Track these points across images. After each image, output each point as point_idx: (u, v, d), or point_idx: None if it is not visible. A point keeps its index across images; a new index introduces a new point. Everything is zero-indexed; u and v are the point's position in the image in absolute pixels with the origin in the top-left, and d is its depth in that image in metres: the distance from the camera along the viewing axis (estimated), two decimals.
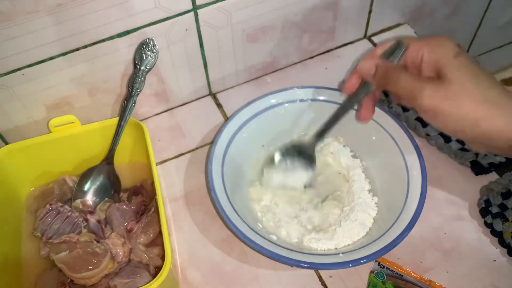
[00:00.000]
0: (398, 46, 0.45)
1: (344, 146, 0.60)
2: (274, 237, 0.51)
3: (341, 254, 0.47)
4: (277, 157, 0.53)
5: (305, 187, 0.55)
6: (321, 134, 0.52)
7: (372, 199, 0.54)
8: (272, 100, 0.59)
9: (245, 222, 0.49)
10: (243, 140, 0.57)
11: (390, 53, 0.46)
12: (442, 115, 0.40)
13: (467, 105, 0.39)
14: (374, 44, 0.74)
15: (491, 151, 0.45)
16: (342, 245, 0.51)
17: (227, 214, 0.49)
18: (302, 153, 0.53)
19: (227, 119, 0.60)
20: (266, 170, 0.54)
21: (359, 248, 0.47)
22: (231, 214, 0.49)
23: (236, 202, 0.51)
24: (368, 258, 0.46)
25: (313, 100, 0.59)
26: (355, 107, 0.53)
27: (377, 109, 0.57)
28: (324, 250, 0.51)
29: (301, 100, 0.59)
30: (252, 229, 0.48)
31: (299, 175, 0.54)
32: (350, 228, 0.52)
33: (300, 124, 0.61)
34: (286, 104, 0.59)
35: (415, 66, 0.44)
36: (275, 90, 0.60)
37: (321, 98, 0.59)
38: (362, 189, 0.55)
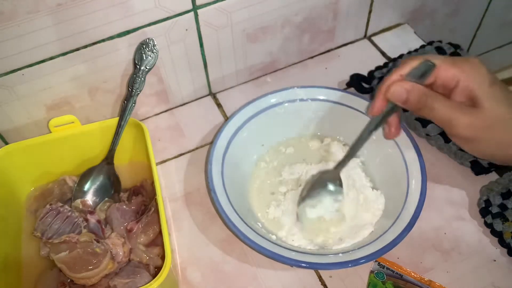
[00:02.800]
0: (428, 66, 0.44)
1: (344, 145, 0.60)
2: (273, 237, 0.51)
3: (340, 254, 0.47)
4: (305, 192, 0.53)
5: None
6: (347, 159, 0.52)
7: (378, 197, 0.54)
8: (272, 99, 0.59)
9: (245, 222, 0.49)
10: (243, 139, 0.57)
11: (419, 74, 0.44)
12: (476, 142, 0.43)
13: (501, 132, 0.42)
14: (374, 44, 0.75)
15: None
16: (343, 245, 0.51)
17: (227, 214, 0.49)
18: (328, 181, 0.53)
19: (227, 119, 0.60)
20: (300, 208, 0.53)
21: (358, 248, 0.47)
22: (231, 214, 0.49)
23: (236, 202, 0.51)
24: (367, 258, 0.46)
25: (313, 99, 0.59)
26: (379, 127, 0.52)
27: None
28: (324, 249, 0.51)
29: (301, 100, 0.59)
30: (252, 229, 0.48)
31: (330, 202, 0.52)
32: (353, 228, 0.52)
33: (300, 124, 0.61)
34: (286, 104, 0.59)
35: (446, 89, 0.44)
36: (275, 90, 0.60)
37: (321, 97, 0.59)
38: (365, 187, 0.55)
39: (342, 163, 0.53)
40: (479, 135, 0.42)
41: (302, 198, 0.53)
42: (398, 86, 0.44)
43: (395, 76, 0.46)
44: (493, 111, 0.42)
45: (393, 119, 0.48)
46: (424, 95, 0.43)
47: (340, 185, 0.53)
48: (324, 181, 0.53)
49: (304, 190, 0.54)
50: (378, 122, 0.48)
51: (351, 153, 0.52)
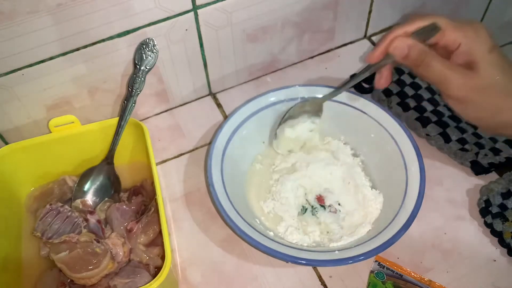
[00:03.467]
0: (433, 28, 0.45)
1: (344, 144, 0.60)
2: (271, 234, 0.51)
3: (337, 252, 0.47)
4: (286, 114, 0.58)
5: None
6: (333, 92, 0.57)
7: (376, 196, 0.54)
8: (273, 97, 0.59)
9: (243, 218, 0.49)
10: (243, 137, 0.57)
11: (423, 33, 0.45)
12: (467, 104, 0.44)
13: (493, 96, 0.43)
14: (374, 44, 0.74)
15: (501, 135, 0.51)
16: (341, 243, 0.51)
17: (225, 209, 0.49)
18: (310, 106, 0.58)
19: (227, 118, 0.60)
20: (280, 128, 0.58)
21: (355, 246, 0.47)
22: (229, 210, 0.49)
23: (234, 198, 0.51)
24: (366, 255, 0.46)
25: (314, 98, 0.59)
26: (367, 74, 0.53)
27: (377, 109, 0.57)
28: (323, 247, 0.51)
29: (302, 98, 0.59)
30: (249, 225, 0.48)
31: (307, 122, 0.59)
32: (351, 226, 0.52)
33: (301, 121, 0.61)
34: (288, 102, 0.59)
35: (446, 51, 0.46)
36: (276, 88, 0.60)
37: (322, 96, 0.59)
38: (364, 186, 0.55)
39: (327, 96, 0.58)
40: (471, 97, 0.43)
41: (284, 120, 0.58)
42: (401, 42, 0.46)
43: (400, 31, 0.47)
44: (488, 75, 0.43)
45: (385, 69, 0.49)
46: (424, 53, 0.44)
47: (320, 112, 0.59)
48: (306, 107, 0.58)
49: (286, 114, 0.58)
50: (371, 70, 0.50)
51: (335, 92, 0.57)
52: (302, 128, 0.59)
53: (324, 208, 0.55)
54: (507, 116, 0.44)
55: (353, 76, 0.68)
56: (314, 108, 0.59)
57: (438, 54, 0.45)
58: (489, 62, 0.43)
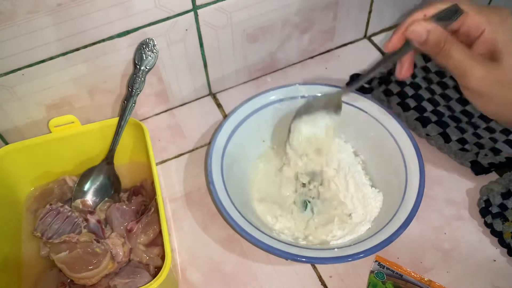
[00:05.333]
0: (455, 10, 0.42)
1: (345, 142, 0.60)
2: (271, 232, 0.52)
3: (336, 249, 0.47)
4: (302, 108, 0.55)
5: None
6: (350, 86, 0.53)
7: (376, 195, 0.55)
8: (273, 96, 0.59)
9: (243, 216, 0.49)
10: (243, 135, 0.57)
11: (445, 17, 0.42)
12: (488, 98, 0.40)
13: None
14: (374, 44, 0.75)
15: None
16: (341, 241, 0.51)
17: (225, 206, 0.49)
18: (328, 101, 0.54)
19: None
20: (294, 123, 0.55)
21: (355, 244, 0.48)
22: (229, 207, 0.49)
23: (234, 196, 0.51)
24: (365, 252, 0.46)
25: (315, 97, 0.59)
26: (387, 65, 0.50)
27: (378, 108, 0.57)
28: (323, 245, 0.51)
29: (303, 97, 0.59)
30: (249, 223, 0.48)
31: (324, 120, 0.54)
32: (350, 224, 0.52)
33: None
34: (288, 100, 0.59)
35: (468, 38, 0.42)
36: (277, 86, 0.60)
37: (323, 95, 0.59)
38: (364, 184, 0.55)
39: (344, 89, 0.54)
40: (491, 91, 0.40)
41: (299, 114, 0.54)
42: (419, 26, 0.42)
43: (418, 14, 0.43)
44: (511, 67, 0.39)
45: (406, 58, 0.46)
46: (444, 39, 0.41)
47: (339, 108, 0.54)
48: (323, 101, 0.54)
49: (302, 107, 0.55)
50: (390, 59, 0.47)
51: (355, 83, 0.52)
52: (320, 125, 0.55)
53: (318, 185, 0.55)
54: None
55: (354, 77, 0.68)
56: (332, 102, 0.54)
57: (460, 41, 0.41)
58: None
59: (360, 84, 0.52)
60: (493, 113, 0.43)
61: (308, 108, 0.55)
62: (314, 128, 0.54)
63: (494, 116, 0.44)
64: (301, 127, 0.54)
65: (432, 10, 0.43)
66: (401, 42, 0.44)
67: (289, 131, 0.55)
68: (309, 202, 0.56)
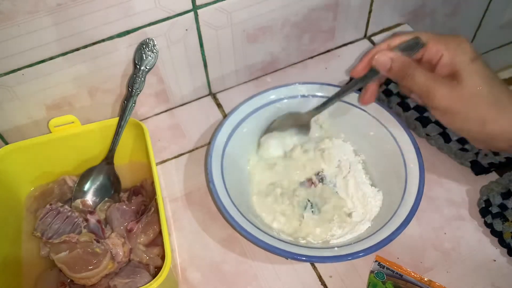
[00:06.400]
0: (416, 42, 0.46)
1: (345, 141, 0.60)
2: (271, 231, 0.52)
3: (336, 248, 0.47)
4: (274, 123, 0.57)
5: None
6: (320, 107, 0.55)
7: (376, 194, 0.55)
8: (273, 95, 0.59)
9: (243, 215, 0.49)
10: (243, 134, 0.57)
11: (407, 48, 0.46)
12: (453, 114, 0.44)
13: (478, 107, 0.43)
14: (374, 44, 0.74)
15: (491, 149, 0.49)
16: (340, 240, 0.51)
17: (225, 205, 0.49)
18: (298, 121, 0.57)
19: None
20: (264, 138, 0.57)
21: (355, 243, 0.48)
22: (229, 206, 0.49)
23: (234, 195, 0.51)
24: (365, 251, 0.46)
25: (314, 96, 0.59)
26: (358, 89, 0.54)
27: (378, 107, 0.57)
28: (323, 244, 0.51)
29: (303, 96, 0.60)
30: (249, 222, 0.49)
31: (294, 138, 0.58)
32: (350, 223, 0.52)
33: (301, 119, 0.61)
34: (288, 100, 0.60)
35: (430, 64, 0.46)
36: (276, 86, 0.60)
37: (323, 94, 0.59)
38: (364, 184, 0.55)
39: (312, 112, 0.56)
40: (456, 107, 0.43)
41: (270, 129, 0.57)
42: (383, 55, 0.46)
43: (383, 45, 0.48)
44: (472, 85, 0.42)
45: (371, 85, 0.49)
46: (407, 65, 0.45)
47: (308, 129, 0.57)
48: (295, 120, 0.57)
49: (273, 122, 0.57)
50: (356, 84, 0.50)
51: (321, 108, 0.55)
52: (288, 143, 0.58)
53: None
54: (492, 126, 0.43)
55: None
56: (302, 123, 0.57)
57: (422, 67, 0.45)
58: (472, 72, 0.43)
59: (327, 107, 0.55)
60: (459, 129, 0.45)
61: (279, 124, 0.57)
62: (281, 146, 0.58)
63: (464, 133, 0.46)
64: (270, 144, 0.57)
65: (396, 41, 0.47)
66: (366, 69, 0.49)
67: (259, 144, 0.58)
68: (309, 201, 0.56)
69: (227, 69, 0.67)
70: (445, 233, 0.53)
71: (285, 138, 0.58)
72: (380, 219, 0.51)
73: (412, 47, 0.46)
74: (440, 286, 0.49)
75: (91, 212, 0.53)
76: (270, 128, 0.57)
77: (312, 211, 0.55)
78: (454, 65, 0.44)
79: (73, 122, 0.55)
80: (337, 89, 0.58)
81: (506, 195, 0.53)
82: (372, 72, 0.48)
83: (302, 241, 0.52)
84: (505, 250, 0.51)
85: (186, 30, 0.58)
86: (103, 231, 0.52)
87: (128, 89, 0.56)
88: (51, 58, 0.53)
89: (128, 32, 0.55)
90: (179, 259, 0.53)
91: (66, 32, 0.51)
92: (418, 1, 0.75)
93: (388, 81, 0.65)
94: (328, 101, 0.55)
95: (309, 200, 0.56)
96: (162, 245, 0.49)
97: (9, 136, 0.59)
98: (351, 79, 0.68)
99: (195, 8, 0.56)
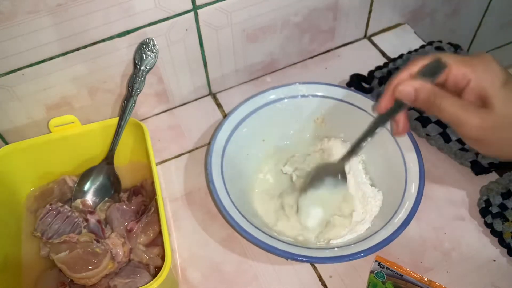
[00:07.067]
0: (438, 66, 0.43)
1: (344, 141, 0.60)
2: (271, 231, 0.52)
3: (336, 249, 0.47)
4: (307, 186, 0.53)
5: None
6: (352, 151, 0.51)
7: (376, 194, 0.55)
8: (273, 95, 0.59)
9: (243, 215, 0.49)
10: (243, 134, 0.57)
11: (429, 73, 0.43)
12: (488, 144, 0.41)
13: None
14: (374, 44, 0.75)
15: None
16: (340, 240, 0.51)
17: (225, 205, 0.49)
18: (331, 173, 0.53)
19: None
20: (301, 202, 0.53)
21: (355, 243, 0.48)
22: (229, 206, 0.49)
23: (234, 195, 0.51)
24: (366, 252, 0.46)
25: (315, 96, 0.59)
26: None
27: None
28: (322, 244, 0.51)
29: (303, 96, 0.60)
30: (249, 222, 0.48)
31: (333, 191, 0.53)
32: (350, 224, 0.52)
33: (301, 120, 0.61)
34: (287, 100, 0.59)
35: (457, 89, 0.43)
36: (277, 85, 0.60)
37: (323, 94, 0.59)
38: (364, 184, 0.55)
39: (345, 158, 0.52)
40: (489, 136, 0.40)
41: (305, 191, 0.53)
42: (406, 85, 0.43)
43: (404, 74, 0.45)
44: (504, 111, 0.40)
45: (400, 116, 0.47)
46: (433, 94, 0.42)
47: (345, 177, 0.53)
48: (328, 175, 0.53)
49: (306, 183, 0.54)
50: (384, 119, 0.47)
51: (355, 149, 0.51)
52: (332, 205, 0.54)
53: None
54: None
55: (354, 77, 0.68)
56: (336, 172, 0.53)
57: (448, 92, 0.42)
58: (504, 97, 0.40)
59: (358, 151, 0.51)
60: (497, 155, 0.44)
61: (313, 180, 0.53)
62: (322, 210, 0.54)
63: (499, 157, 0.44)
64: (310, 213, 0.53)
65: (417, 67, 0.44)
66: (391, 102, 0.45)
67: (297, 207, 0.54)
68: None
69: (227, 69, 0.67)
70: (445, 233, 0.53)
71: (324, 197, 0.53)
72: (380, 219, 0.51)
73: (434, 70, 0.43)
74: (440, 286, 0.49)
75: (91, 212, 0.53)
76: (304, 188, 0.54)
77: (317, 218, 0.55)
78: (484, 90, 0.41)
79: (73, 122, 0.55)
80: (337, 88, 0.58)
81: (506, 195, 0.53)
82: (398, 104, 0.45)
83: (303, 241, 0.52)
84: (505, 250, 0.51)
85: (186, 30, 0.58)
86: (103, 231, 0.52)
87: (128, 89, 0.56)
88: (51, 58, 0.53)
89: (128, 32, 0.55)
90: (179, 259, 0.53)
91: (66, 32, 0.51)
92: (418, 1, 0.75)
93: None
94: (358, 143, 0.50)
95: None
96: (162, 245, 0.49)
97: (9, 136, 0.59)
98: (351, 78, 0.68)
99: (195, 8, 0.56)
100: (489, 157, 0.44)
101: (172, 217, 0.57)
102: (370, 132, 0.49)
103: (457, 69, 0.42)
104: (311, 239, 0.52)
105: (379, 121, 0.48)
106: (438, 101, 0.41)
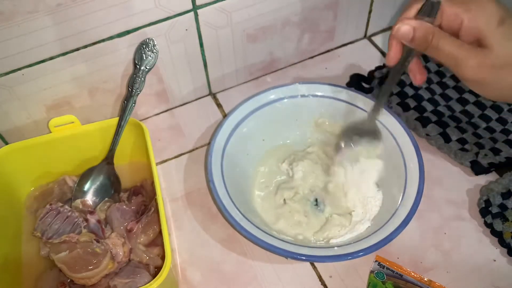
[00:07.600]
0: (433, 5, 0.41)
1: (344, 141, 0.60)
2: (271, 230, 0.52)
3: (336, 248, 0.47)
4: (341, 145, 0.53)
5: None
6: (376, 108, 0.51)
7: (375, 193, 0.55)
8: (273, 95, 0.59)
9: (243, 214, 0.49)
10: (243, 134, 0.57)
11: (425, 13, 0.42)
12: (487, 85, 0.40)
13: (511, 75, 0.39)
14: (374, 44, 0.75)
15: None
16: (340, 239, 0.51)
17: (225, 205, 0.49)
18: (363, 131, 0.53)
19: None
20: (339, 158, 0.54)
21: (355, 242, 0.48)
22: (229, 206, 0.49)
23: (234, 194, 0.52)
24: (365, 251, 0.46)
25: (314, 96, 0.59)
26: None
27: None
28: (322, 243, 0.51)
29: (303, 96, 0.60)
30: (249, 221, 0.49)
31: (368, 151, 0.54)
32: (350, 223, 0.52)
33: (301, 120, 0.61)
34: (287, 99, 0.59)
35: (451, 31, 0.41)
36: (277, 85, 0.60)
37: (323, 94, 0.59)
38: (365, 183, 0.55)
39: (372, 116, 0.52)
40: (488, 77, 0.39)
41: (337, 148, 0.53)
42: (404, 24, 0.42)
43: (402, 18, 0.43)
44: (503, 50, 0.38)
45: (413, 65, 0.45)
46: (431, 33, 0.40)
47: (377, 132, 0.52)
48: (358, 132, 0.53)
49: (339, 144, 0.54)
50: (397, 71, 0.46)
51: (379, 104, 0.51)
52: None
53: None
54: None
55: (354, 77, 0.68)
56: (368, 130, 0.53)
57: (445, 32, 0.40)
58: (502, 36, 0.38)
59: (381, 107, 0.51)
60: (496, 97, 0.42)
61: (346, 142, 0.54)
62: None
63: (498, 99, 0.43)
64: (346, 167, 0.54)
65: (413, 11, 0.43)
66: (398, 50, 0.44)
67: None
68: (309, 200, 0.56)
69: (227, 69, 0.67)
70: (445, 233, 0.53)
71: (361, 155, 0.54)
72: (380, 219, 0.51)
73: (429, 11, 0.42)
74: (440, 286, 0.49)
75: (91, 212, 0.53)
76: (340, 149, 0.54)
77: (318, 207, 0.55)
78: (479, 30, 0.39)
79: (73, 122, 0.55)
80: (337, 88, 0.58)
81: (506, 195, 0.53)
82: (406, 52, 0.44)
83: (303, 240, 0.52)
84: (505, 250, 0.51)
85: (186, 30, 0.58)
86: (103, 231, 0.52)
87: (128, 89, 0.56)
88: (51, 58, 0.53)
89: (128, 32, 0.55)
90: (179, 259, 0.53)
91: (66, 32, 0.51)
92: None
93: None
94: (380, 100, 0.50)
95: (309, 199, 0.56)
96: (162, 245, 0.49)
97: (9, 136, 0.59)
98: (351, 78, 0.68)
99: (195, 8, 0.56)
100: (491, 99, 0.42)
101: (172, 217, 0.57)
102: (387, 88, 0.48)
103: (449, 9, 0.41)
104: (311, 238, 0.52)
105: (394, 74, 0.47)
106: (435, 40, 0.40)
